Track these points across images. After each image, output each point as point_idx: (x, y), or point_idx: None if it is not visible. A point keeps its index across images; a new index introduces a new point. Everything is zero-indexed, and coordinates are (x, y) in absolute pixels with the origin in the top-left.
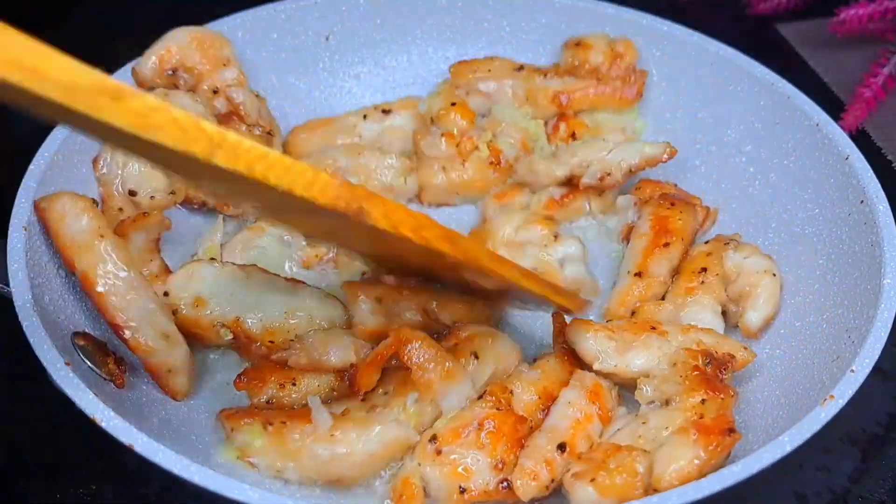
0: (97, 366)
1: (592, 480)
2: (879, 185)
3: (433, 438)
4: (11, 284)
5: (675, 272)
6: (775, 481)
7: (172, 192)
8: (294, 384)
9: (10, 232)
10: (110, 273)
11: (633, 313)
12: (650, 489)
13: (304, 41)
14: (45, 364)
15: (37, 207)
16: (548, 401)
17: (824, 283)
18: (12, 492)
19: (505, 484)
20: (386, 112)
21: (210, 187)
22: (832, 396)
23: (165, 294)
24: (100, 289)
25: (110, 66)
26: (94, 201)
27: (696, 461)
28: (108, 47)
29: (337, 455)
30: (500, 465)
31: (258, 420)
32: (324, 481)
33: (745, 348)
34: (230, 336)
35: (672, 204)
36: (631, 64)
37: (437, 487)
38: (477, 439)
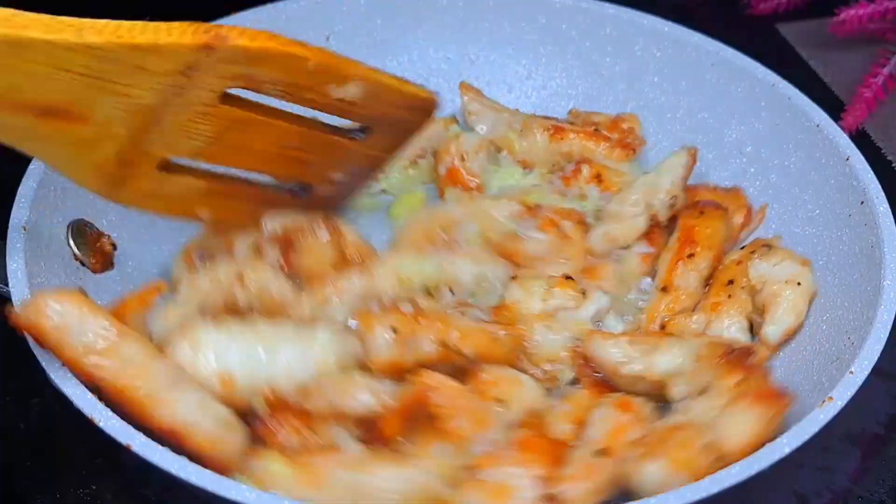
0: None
1: (659, 458)
2: (880, 187)
3: (470, 466)
4: (10, 284)
5: (707, 282)
6: (775, 481)
7: None
8: (313, 431)
9: (9, 232)
10: (144, 372)
11: (662, 327)
12: (719, 460)
13: (304, 41)
14: (43, 363)
15: (17, 319)
16: (582, 428)
17: (824, 284)
18: (12, 492)
19: (550, 501)
20: None
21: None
22: (831, 398)
23: None
24: (144, 394)
25: None
26: (82, 290)
27: (761, 425)
28: None
29: (367, 487)
30: (542, 481)
31: (279, 449)
32: None
33: (759, 346)
34: (263, 404)
35: (701, 213)
36: (632, 128)
37: None
38: (514, 458)
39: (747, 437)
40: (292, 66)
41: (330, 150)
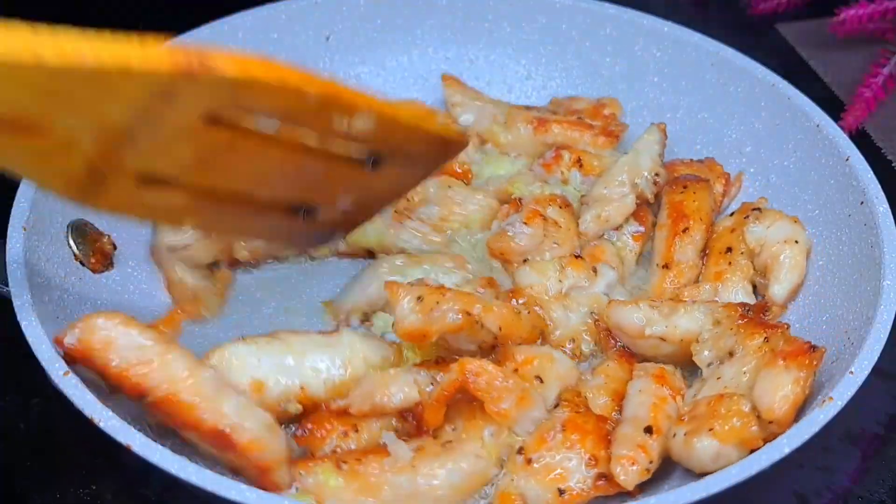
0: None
1: (710, 431)
2: (880, 187)
3: (520, 450)
4: (10, 284)
5: (704, 252)
6: (775, 481)
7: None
8: (357, 430)
9: (9, 232)
10: (192, 380)
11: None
12: (766, 425)
13: (304, 41)
14: (43, 364)
15: (65, 344)
16: (619, 400)
17: (824, 284)
18: (12, 492)
19: (602, 479)
20: None
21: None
22: (831, 398)
23: None
24: (191, 399)
25: None
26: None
27: (799, 383)
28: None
29: (420, 487)
30: (592, 461)
31: (330, 460)
32: None
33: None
34: (299, 408)
35: (685, 187)
36: (613, 114)
37: (535, 496)
38: (564, 441)
39: (788, 399)
40: (289, 97)
41: (335, 180)
